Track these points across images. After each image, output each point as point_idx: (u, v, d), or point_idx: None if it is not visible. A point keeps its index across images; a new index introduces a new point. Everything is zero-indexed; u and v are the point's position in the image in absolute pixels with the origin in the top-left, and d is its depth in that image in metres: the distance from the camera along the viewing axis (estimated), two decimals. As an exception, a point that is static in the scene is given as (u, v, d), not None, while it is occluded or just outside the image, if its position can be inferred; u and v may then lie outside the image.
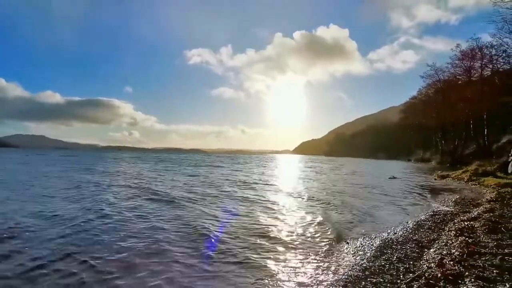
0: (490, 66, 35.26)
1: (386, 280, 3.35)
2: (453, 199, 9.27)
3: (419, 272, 3.47)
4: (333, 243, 4.99)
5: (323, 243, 4.99)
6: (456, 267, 3.46)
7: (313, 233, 5.64)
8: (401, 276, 3.43)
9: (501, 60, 32.90)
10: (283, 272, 3.80)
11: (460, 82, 39.70)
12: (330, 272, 3.73)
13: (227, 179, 15.95)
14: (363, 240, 5.12)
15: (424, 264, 3.75)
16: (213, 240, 5.06)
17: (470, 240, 4.53)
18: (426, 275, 3.30)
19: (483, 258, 3.80)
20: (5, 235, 5.05)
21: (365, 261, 3.99)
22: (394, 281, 3.33)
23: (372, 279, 3.40)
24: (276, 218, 6.82)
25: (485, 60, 35.62)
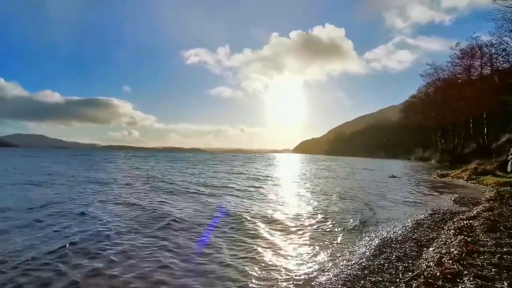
0: (490, 64, 35.25)
1: (385, 279, 3.36)
2: (453, 198, 9.28)
3: (418, 271, 3.48)
4: (332, 242, 5.00)
5: (321, 242, 5.01)
6: (455, 266, 3.48)
7: (312, 231, 5.66)
8: (400, 275, 3.44)
9: (501, 59, 32.83)
10: (281, 271, 3.81)
11: (460, 81, 39.65)
12: (329, 271, 3.74)
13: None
14: (362, 238, 5.14)
15: (423, 263, 3.76)
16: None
17: (469, 239, 4.54)
18: (425, 274, 3.31)
19: (482, 257, 3.82)
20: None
21: (364, 260, 4.00)
22: (393, 280, 3.34)
23: (371, 278, 3.41)
24: (277, 212, 6.85)
25: (484, 59, 35.60)
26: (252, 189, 11.86)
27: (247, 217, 6.72)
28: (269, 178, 16.90)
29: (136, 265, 3.95)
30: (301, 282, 3.47)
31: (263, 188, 12.27)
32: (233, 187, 12.18)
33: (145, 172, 19.34)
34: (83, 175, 16.25)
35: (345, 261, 4.04)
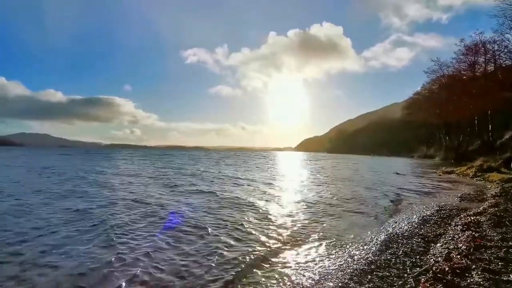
0: (493, 61, 34.96)
1: (393, 274, 3.36)
2: (459, 195, 9.25)
3: (426, 266, 3.48)
4: (338, 237, 5.01)
5: (328, 237, 5.01)
6: (463, 261, 3.47)
7: (318, 226, 5.67)
8: (408, 270, 3.44)
9: (503, 56, 32.65)
10: (287, 266, 3.82)
11: (464, 77, 39.35)
12: (335, 266, 3.75)
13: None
14: (368, 234, 5.14)
15: (431, 258, 3.75)
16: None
17: (476, 234, 4.53)
18: (434, 269, 3.31)
19: (489, 251, 3.82)
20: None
21: (370, 255, 4.00)
22: (401, 275, 3.33)
23: (378, 272, 3.41)
24: (283, 209, 6.87)
25: (488, 56, 35.33)
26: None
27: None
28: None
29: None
30: (306, 277, 3.47)
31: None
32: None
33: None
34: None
35: (351, 256, 4.04)
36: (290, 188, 11.62)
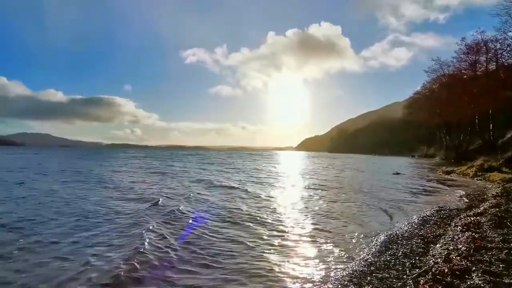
0: (495, 60, 34.75)
1: (392, 276, 3.34)
2: (459, 195, 9.22)
3: (425, 267, 3.46)
4: (338, 238, 4.99)
5: (327, 238, 4.99)
6: (463, 262, 3.44)
7: (317, 227, 5.64)
8: (407, 272, 3.42)
9: (506, 54, 32.41)
10: (287, 266, 3.80)
11: (465, 76, 39.15)
12: (334, 267, 3.73)
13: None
14: (367, 235, 5.11)
15: (430, 260, 3.73)
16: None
17: (476, 235, 4.50)
18: (433, 271, 3.28)
19: (490, 253, 3.78)
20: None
21: (370, 256, 3.98)
22: (400, 276, 3.32)
23: (377, 274, 3.39)
24: (281, 210, 6.85)
25: (490, 54, 35.08)
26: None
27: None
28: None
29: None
30: (305, 279, 3.45)
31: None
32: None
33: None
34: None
35: (350, 257, 4.02)
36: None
